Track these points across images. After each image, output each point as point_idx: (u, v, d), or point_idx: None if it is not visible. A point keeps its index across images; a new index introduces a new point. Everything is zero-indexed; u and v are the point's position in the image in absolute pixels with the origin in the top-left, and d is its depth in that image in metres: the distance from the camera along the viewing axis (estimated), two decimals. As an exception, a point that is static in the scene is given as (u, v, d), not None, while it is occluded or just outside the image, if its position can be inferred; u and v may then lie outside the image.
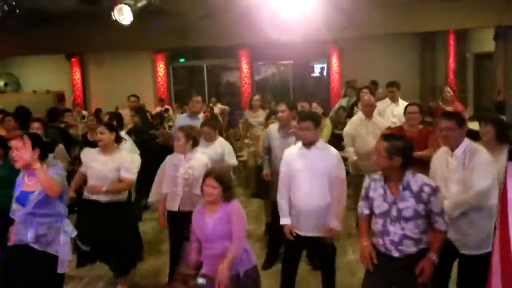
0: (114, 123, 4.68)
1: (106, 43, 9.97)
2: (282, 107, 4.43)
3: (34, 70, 13.19)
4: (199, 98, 6.08)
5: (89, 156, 4.01)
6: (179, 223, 3.72)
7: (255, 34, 8.52)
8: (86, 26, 9.14)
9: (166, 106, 11.59)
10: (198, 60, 13.55)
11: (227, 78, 14.23)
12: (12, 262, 3.11)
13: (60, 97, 12.68)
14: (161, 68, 13.05)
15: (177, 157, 3.90)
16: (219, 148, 4.65)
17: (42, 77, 13.11)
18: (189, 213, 3.18)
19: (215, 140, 4.67)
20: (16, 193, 3.17)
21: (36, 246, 3.10)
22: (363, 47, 11.54)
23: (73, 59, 13.10)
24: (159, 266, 4.58)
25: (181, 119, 5.92)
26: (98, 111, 8.29)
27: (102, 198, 3.86)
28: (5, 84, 12.81)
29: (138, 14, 6.18)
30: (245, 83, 12.56)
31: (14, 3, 6.02)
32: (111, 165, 3.88)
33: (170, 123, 8.93)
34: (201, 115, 6.08)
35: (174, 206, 3.84)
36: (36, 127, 4.89)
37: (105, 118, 5.29)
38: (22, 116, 6.14)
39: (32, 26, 8.56)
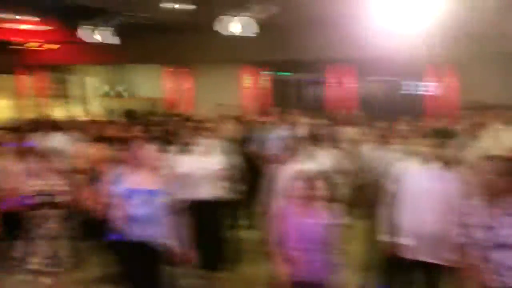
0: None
1: (211, 55, 10.19)
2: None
3: (137, 78, 13.94)
4: (294, 111, 6.03)
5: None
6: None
7: (358, 48, 8.14)
8: (194, 38, 9.39)
9: (253, 118, 11.51)
10: (287, 73, 13.34)
11: (315, 92, 13.81)
12: (134, 253, 3.26)
13: (158, 104, 13.22)
14: (248, 81, 13.04)
15: (277, 167, 3.93)
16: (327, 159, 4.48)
17: (144, 84, 13.81)
18: None
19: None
20: (122, 190, 3.28)
21: (149, 240, 3.25)
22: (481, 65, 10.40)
23: (171, 69, 13.62)
24: (255, 273, 4.55)
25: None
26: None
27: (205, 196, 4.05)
28: (114, 89, 13.68)
29: (250, 26, 6.18)
30: (346, 99, 12.02)
31: (130, 14, 6.27)
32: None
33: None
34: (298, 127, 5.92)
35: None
36: (137, 130, 5.30)
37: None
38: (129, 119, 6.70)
39: (148, 36, 8.96)
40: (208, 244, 4.01)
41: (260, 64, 12.68)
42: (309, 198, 2.93)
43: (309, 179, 2.96)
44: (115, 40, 7.00)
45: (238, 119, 6.95)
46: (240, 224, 5.55)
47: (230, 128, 6.47)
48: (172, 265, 3.45)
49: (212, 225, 4.10)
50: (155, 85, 13.38)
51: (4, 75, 11.05)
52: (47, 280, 3.91)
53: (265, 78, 13.32)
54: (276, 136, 5.70)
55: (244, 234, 5.18)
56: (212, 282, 4.35)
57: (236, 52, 9.09)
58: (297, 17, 7.84)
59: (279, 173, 3.86)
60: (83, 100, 13.41)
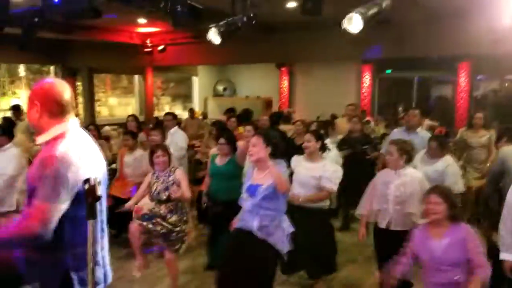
0: (322, 131, 4.83)
1: (316, 53, 10.18)
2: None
3: (248, 77, 14.34)
4: (416, 111, 5.72)
5: (296, 161, 4.19)
6: (387, 241, 3.61)
7: (478, 44, 7.63)
8: (298, 36, 9.46)
9: (368, 118, 11.28)
10: (407, 72, 12.83)
11: (438, 92, 13.12)
12: (237, 242, 3.44)
13: (268, 103, 13.56)
14: (366, 79, 12.79)
15: (389, 173, 3.74)
16: (441, 167, 4.26)
17: (254, 84, 14.16)
18: (401, 232, 3.25)
19: (440, 157, 4.33)
20: (246, 185, 3.45)
21: (258, 234, 3.32)
22: None
23: (283, 68, 13.83)
24: (354, 275, 4.59)
25: (396, 133, 5.66)
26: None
27: (305, 204, 3.98)
28: (224, 89, 14.24)
29: (367, 23, 6.07)
30: (461, 98, 11.35)
31: (252, 15, 6.47)
32: (314, 172, 4.01)
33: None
34: (419, 130, 5.68)
35: (382, 223, 3.70)
36: (248, 129, 5.30)
37: (313, 126, 5.42)
38: (244, 117, 6.93)
39: (251, 37, 9.27)
40: (308, 249, 4.01)
41: (378, 62, 12.42)
42: (440, 215, 2.83)
43: (441, 194, 2.85)
44: (225, 40, 7.38)
45: (356, 119, 6.88)
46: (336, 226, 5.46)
47: (346, 128, 6.40)
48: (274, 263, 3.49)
49: (312, 230, 4.04)
50: (268, 84, 13.75)
51: (133, 76, 12.26)
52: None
53: (383, 77, 13.06)
54: (393, 138, 5.51)
55: (339, 236, 5.07)
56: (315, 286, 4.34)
57: (353, 50, 8.96)
58: (418, 12, 7.54)
59: (387, 178, 3.72)
60: (194, 99, 14.22)
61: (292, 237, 3.55)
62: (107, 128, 9.06)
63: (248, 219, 3.37)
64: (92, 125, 7.30)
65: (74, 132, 2.22)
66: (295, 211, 3.82)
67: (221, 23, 6.55)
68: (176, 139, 6.17)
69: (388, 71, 12.95)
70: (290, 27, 8.95)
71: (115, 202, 5.00)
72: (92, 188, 1.84)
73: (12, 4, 5.76)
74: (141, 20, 8.43)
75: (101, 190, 1.88)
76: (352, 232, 5.68)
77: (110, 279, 2.40)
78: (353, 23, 5.45)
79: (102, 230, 2.27)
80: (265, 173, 3.34)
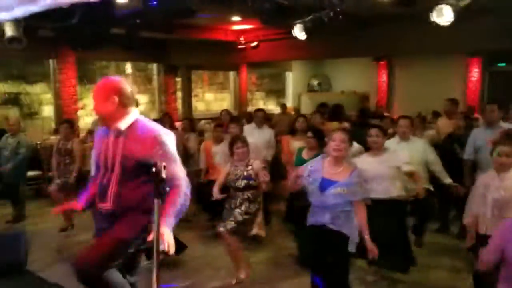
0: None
1: (416, 46, 9.62)
2: None
3: (343, 72, 14.04)
4: (495, 106, 5.14)
5: (360, 161, 4.07)
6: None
7: None
8: (396, 29, 9.03)
9: (476, 115, 10.39)
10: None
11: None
12: (315, 238, 3.50)
13: (365, 98, 13.17)
14: (474, 73, 11.82)
15: (491, 175, 3.48)
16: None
17: (350, 79, 13.83)
18: None
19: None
20: (317, 179, 3.44)
21: (331, 227, 3.38)
22: None
23: (381, 62, 13.32)
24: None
25: (478, 132, 5.20)
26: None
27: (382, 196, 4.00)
28: (319, 84, 14.10)
29: (458, 14, 5.62)
30: None
31: (339, 9, 6.36)
32: (385, 164, 4.08)
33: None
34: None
35: (481, 228, 3.47)
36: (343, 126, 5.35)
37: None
38: (334, 113, 6.85)
39: (345, 30, 9.04)
40: (388, 244, 3.91)
41: (488, 54, 11.54)
42: None
43: None
44: (319, 35, 7.32)
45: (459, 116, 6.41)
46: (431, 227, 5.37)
47: (458, 124, 5.92)
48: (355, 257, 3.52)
49: (392, 225, 4.06)
50: (364, 79, 13.39)
51: (228, 72, 12.69)
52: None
53: (494, 70, 12.02)
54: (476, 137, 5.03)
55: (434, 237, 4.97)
56: (395, 283, 4.27)
57: (457, 42, 8.34)
58: None
59: (489, 181, 3.46)
60: (288, 95, 14.27)
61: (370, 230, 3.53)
62: (202, 122, 9.49)
63: (320, 213, 3.42)
64: (186, 119, 7.71)
65: (143, 119, 2.75)
66: (375, 204, 3.79)
67: (307, 18, 6.51)
68: (266, 135, 6.39)
69: (501, 64, 11.86)
70: (386, 19, 8.57)
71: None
72: (158, 172, 2.04)
73: (116, 6, 6.26)
74: (235, 18, 8.66)
75: (164, 174, 2.11)
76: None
77: None
78: (443, 14, 5.09)
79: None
80: (341, 169, 3.40)
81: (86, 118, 9.76)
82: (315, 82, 14.12)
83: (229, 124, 6.14)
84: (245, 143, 4.41)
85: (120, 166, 2.63)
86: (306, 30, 6.34)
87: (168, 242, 2.44)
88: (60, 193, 5.88)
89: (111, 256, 2.63)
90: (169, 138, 2.67)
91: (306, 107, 12.39)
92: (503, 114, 7.02)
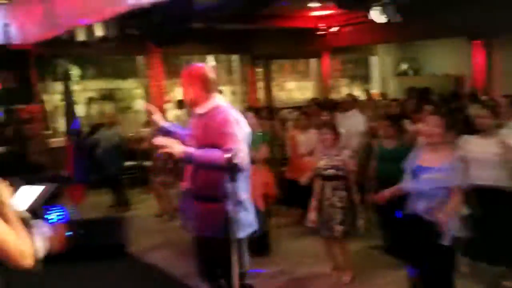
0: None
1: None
2: None
3: (434, 54, 13.14)
4: None
5: (466, 141, 3.87)
6: None
7: None
8: (492, 5, 8.25)
9: None
10: None
11: None
12: (407, 229, 3.37)
13: (459, 80, 12.24)
14: None
15: None
16: None
17: (442, 61, 12.91)
18: None
19: None
20: (412, 167, 3.34)
21: (426, 217, 3.21)
22: None
23: (476, 42, 12.24)
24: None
25: None
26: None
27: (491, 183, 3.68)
28: (408, 67, 13.38)
29: None
30: None
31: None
32: (492, 148, 3.72)
33: None
34: None
35: None
36: (427, 109, 4.88)
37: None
38: (423, 97, 6.42)
39: (436, 10, 8.43)
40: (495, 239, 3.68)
41: None
42: None
43: None
44: (413, 16, 6.87)
45: None
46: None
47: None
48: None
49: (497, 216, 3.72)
50: (458, 60, 12.46)
51: (310, 60, 12.48)
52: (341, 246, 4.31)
53: None
54: None
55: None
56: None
57: None
58: None
59: None
60: (373, 80, 13.71)
61: (476, 221, 3.31)
62: (284, 111, 9.45)
63: (414, 202, 3.29)
64: (266, 107, 7.75)
65: (226, 105, 2.88)
66: (485, 193, 3.56)
67: (385, 1, 6.19)
68: (356, 122, 6.20)
69: None
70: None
71: (291, 186, 5.37)
72: (231, 157, 2.11)
73: (196, 0, 6.39)
74: (313, 4, 8.46)
75: (238, 159, 2.23)
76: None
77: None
78: None
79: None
80: (438, 154, 3.22)
81: (173, 111, 10.22)
82: (403, 66, 13.40)
83: (320, 112, 6.04)
84: (333, 130, 4.27)
85: (197, 147, 2.77)
86: (385, 13, 6.00)
87: (170, 149, 2.57)
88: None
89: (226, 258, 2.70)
90: (241, 123, 2.78)
91: (394, 92, 11.83)
92: None
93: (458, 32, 10.31)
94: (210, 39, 7.97)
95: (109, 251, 4.99)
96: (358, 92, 12.92)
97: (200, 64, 3.02)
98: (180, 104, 8.61)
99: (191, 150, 2.66)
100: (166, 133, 3.13)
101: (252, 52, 11.04)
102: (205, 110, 2.85)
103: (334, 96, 11.60)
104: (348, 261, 4.35)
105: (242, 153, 2.60)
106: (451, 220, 3.15)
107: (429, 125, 3.26)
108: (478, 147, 3.73)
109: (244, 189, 2.83)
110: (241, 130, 2.76)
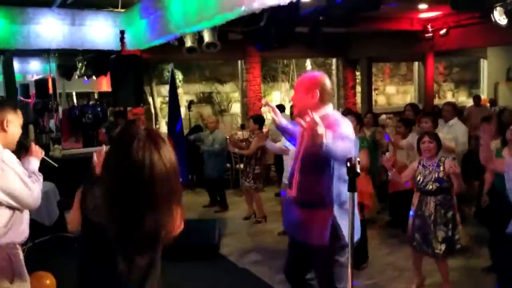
0: None
1: None
2: None
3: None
4: None
5: None
6: None
7: None
8: None
9: None
10: None
11: None
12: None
13: None
14: None
15: None
16: None
17: None
18: None
19: None
20: None
21: None
22: None
23: None
24: None
25: None
26: None
27: None
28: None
29: None
30: None
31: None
32: None
33: None
34: None
35: None
36: None
37: None
38: None
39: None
40: None
41: None
42: None
43: None
44: None
45: None
46: None
47: None
48: None
49: None
50: None
51: (412, 63, 11.87)
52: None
53: None
54: None
55: None
56: None
57: None
58: None
59: None
60: (482, 85, 12.69)
61: None
62: (383, 116, 9.06)
63: None
64: (369, 113, 7.46)
65: (336, 114, 2.82)
66: None
67: (509, 0, 5.65)
68: (456, 132, 5.68)
69: None
70: None
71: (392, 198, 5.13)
72: (353, 166, 1.99)
73: (301, 5, 6.30)
74: (422, 6, 7.99)
75: (358, 168, 2.04)
76: None
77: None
78: None
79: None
80: None
81: (268, 114, 10.26)
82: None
83: (421, 118, 5.68)
84: (433, 138, 3.99)
85: (302, 155, 2.75)
86: (509, 14, 5.48)
87: (319, 129, 2.32)
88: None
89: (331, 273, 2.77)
90: (345, 126, 2.69)
91: (505, 99, 10.85)
92: None
93: None
94: (312, 42, 7.80)
95: (202, 251, 5.10)
96: (463, 98, 12.09)
97: (318, 73, 2.93)
98: (280, 108, 8.55)
99: (329, 135, 2.46)
100: (284, 130, 3.10)
101: (351, 55, 10.74)
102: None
103: (437, 101, 10.93)
104: (446, 278, 4.04)
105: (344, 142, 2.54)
106: None
107: None
108: None
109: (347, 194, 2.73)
110: (352, 134, 2.70)
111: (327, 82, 2.82)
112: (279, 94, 10.70)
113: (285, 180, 4.84)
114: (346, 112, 6.63)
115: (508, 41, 9.72)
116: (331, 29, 8.56)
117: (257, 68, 9.72)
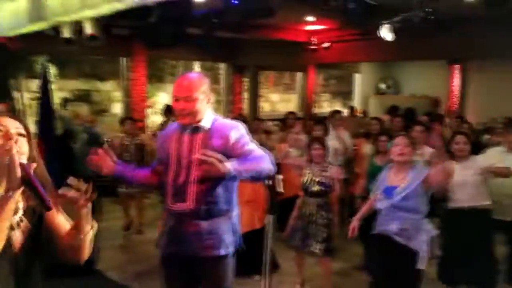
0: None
1: (493, 49, 8.93)
2: None
3: (414, 75, 13.37)
4: None
5: None
6: None
7: None
8: (473, 31, 8.42)
9: None
10: None
11: None
12: (378, 249, 3.44)
13: (436, 102, 12.48)
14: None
15: None
16: None
17: (421, 82, 13.15)
18: None
19: None
20: (382, 186, 3.39)
21: (398, 239, 3.26)
22: None
23: (454, 65, 12.54)
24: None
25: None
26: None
27: (465, 204, 3.85)
28: (388, 87, 13.51)
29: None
30: None
31: (428, 10, 5.97)
32: (469, 171, 3.89)
33: None
34: None
35: None
36: (417, 130, 4.89)
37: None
38: (408, 117, 6.56)
39: (420, 32, 8.50)
40: (470, 258, 3.83)
41: None
42: None
43: None
44: (398, 37, 6.92)
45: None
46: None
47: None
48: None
49: (475, 237, 3.86)
50: (436, 83, 12.70)
51: (296, 73, 12.35)
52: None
53: None
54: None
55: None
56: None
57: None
58: None
59: None
60: (355, 97, 13.76)
61: (446, 242, 3.41)
62: (268, 123, 9.24)
63: (386, 223, 3.32)
64: (257, 119, 7.54)
65: (219, 116, 2.67)
66: (457, 214, 3.72)
67: (396, 19, 6.17)
68: (343, 137, 6.25)
69: None
70: (466, 21, 7.98)
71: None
72: (273, 184, 1.85)
73: (195, 5, 6.10)
74: (309, 18, 8.32)
75: (279, 187, 1.98)
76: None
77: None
78: None
79: None
80: (403, 175, 3.29)
81: (154, 117, 9.78)
82: (383, 85, 13.54)
83: (313, 126, 6.00)
84: (322, 145, 4.25)
85: (199, 163, 2.41)
86: (394, 31, 5.97)
87: (216, 163, 2.19)
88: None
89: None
90: (244, 129, 2.60)
91: (375, 110, 11.88)
92: None
93: (438, 56, 10.52)
94: (204, 45, 7.64)
95: (74, 268, 4.51)
96: (338, 108, 12.94)
97: (201, 73, 2.87)
98: (168, 111, 8.05)
99: (235, 163, 2.31)
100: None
101: (240, 61, 10.79)
102: (208, 123, 2.57)
103: (316, 111, 11.51)
104: (328, 277, 4.28)
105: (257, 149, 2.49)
106: (420, 242, 3.21)
107: (399, 145, 3.31)
108: (455, 171, 3.85)
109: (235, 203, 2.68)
110: (246, 133, 2.59)
111: (208, 82, 2.67)
112: (165, 96, 10.29)
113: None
114: (237, 118, 6.61)
115: (380, 58, 10.68)
116: (222, 33, 8.47)
117: (143, 67, 9.19)
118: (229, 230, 2.59)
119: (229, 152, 2.40)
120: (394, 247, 3.26)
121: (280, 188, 1.94)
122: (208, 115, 2.60)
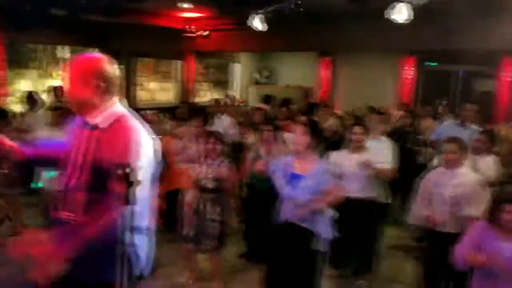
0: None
1: (358, 43, 9.80)
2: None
3: (289, 66, 14.00)
4: (474, 106, 5.41)
5: (339, 156, 4.19)
6: (441, 244, 3.41)
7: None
8: (342, 26, 9.14)
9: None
10: (452, 65, 12.17)
11: (483, 87, 12.38)
12: (282, 234, 3.44)
13: (310, 92, 13.23)
14: (408, 71, 12.22)
15: (441, 172, 3.56)
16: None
17: (295, 73, 13.82)
18: (454, 235, 3.17)
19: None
20: (286, 173, 3.40)
21: (301, 224, 3.33)
22: None
23: (325, 57, 13.39)
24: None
25: (449, 126, 5.41)
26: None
27: (358, 195, 4.02)
28: (265, 77, 13.95)
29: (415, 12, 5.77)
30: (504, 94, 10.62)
31: (300, 2, 6.26)
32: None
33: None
34: (473, 126, 5.28)
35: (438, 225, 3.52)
36: (299, 119, 5.11)
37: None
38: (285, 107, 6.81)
39: (294, 24, 8.93)
40: (351, 244, 4.07)
41: (422, 54, 11.80)
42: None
43: None
44: (269, 27, 7.21)
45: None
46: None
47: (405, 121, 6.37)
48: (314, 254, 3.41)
49: (357, 225, 4.08)
50: (309, 74, 13.40)
51: (174, 61, 12.09)
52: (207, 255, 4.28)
53: (426, 69, 12.44)
54: (446, 131, 5.13)
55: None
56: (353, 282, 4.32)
57: (394, 41, 8.59)
58: (467, 4, 7.06)
59: (441, 179, 3.55)
60: (234, 86, 13.98)
61: (338, 229, 3.49)
62: (148, 112, 8.96)
63: (289, 210, 3.35)
64: (144, 109, 7.23)
65: (129, 116, 2.17)
66: (346, 203, 3.78)
67: (267, 9, 6.37)
68: (225, 126, 6.33)
69: (433, 63, 12.35)
70: (335, 15, 8.59)
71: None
72: (127, 173, 1.72)
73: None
74: (183, 5, 8.21)
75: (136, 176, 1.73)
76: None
77: None
78: (400, 12, 5.31)
79: None
80: (307, 162, 3.36)
81: (15, 106, 8.86)
82: (261, 75, 13.95)
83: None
84: (218, 139, 4.13)
85: (90, 168, 2.09)
86: (266, 21, 6.16)
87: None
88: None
89: None
90: (147, 147, 2.11)
91: (254, 100, 12.21)
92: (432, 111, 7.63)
93: (309, 48, 11.19)
94: (70, 28, 7.08)
95: None
96: (218, 97, 13.03)
97: (98, 55, 2.21)
98: (31, 100, 7.29)
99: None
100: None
101: (112, 46, 10.22)
102: (106, 123, 2.12)
103: (196, 100, 11.46)
104: (218, 272, 4.28)
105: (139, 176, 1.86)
106: (322, 225, 3.33)
107: (297, 134, 3.38)
108: (349, 161, 4.06)
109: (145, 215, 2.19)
110: (146, 154, 2.10)
111: (111, 67, 2.15)
112: (29, 83, 9.37)
113: None
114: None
115: (258, 48, 10.99)
116: (93, 16, 7.95)
117: (1, 51, 8.24)
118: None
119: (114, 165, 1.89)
120: (294, 231, 3.32)
121: (136, 178, 1.76)
122: (110, 110, 2.14)
